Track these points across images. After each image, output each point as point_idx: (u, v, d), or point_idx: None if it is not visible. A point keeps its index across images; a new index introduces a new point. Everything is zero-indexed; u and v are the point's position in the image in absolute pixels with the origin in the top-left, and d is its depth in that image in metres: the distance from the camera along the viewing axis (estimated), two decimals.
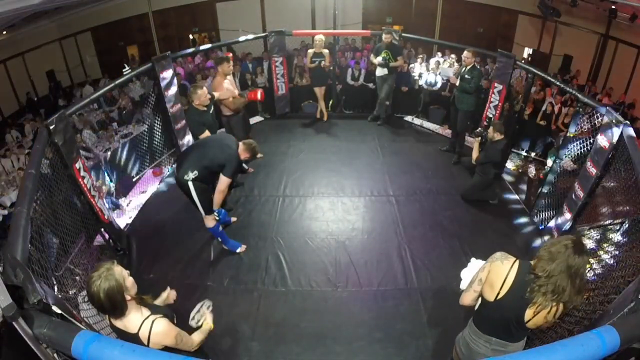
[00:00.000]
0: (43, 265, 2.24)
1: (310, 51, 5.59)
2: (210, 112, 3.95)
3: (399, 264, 3.46)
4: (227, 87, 4.20)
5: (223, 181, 3.13)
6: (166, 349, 1.63)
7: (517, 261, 1.64)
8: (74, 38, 9.54)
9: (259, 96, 4.37)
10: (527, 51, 9.54)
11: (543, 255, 1.53)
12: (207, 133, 3.79)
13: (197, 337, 1.84)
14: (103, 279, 1.50)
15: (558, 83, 4.28)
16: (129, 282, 1.59)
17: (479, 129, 4.28)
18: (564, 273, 1.48)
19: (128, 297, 1.57)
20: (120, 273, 1.56)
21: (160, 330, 1.60)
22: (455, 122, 5.13)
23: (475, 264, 2.00)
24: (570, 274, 1.48)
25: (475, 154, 4.14)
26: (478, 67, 4.88)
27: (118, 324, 1.61)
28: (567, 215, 3.42)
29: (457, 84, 4.74)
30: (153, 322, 1.60)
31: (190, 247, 3.65)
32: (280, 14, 9.80)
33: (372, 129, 5.94)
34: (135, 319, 1.60)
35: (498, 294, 1.62)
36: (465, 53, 4.68)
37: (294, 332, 2.85)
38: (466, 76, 4.66)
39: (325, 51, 5.54)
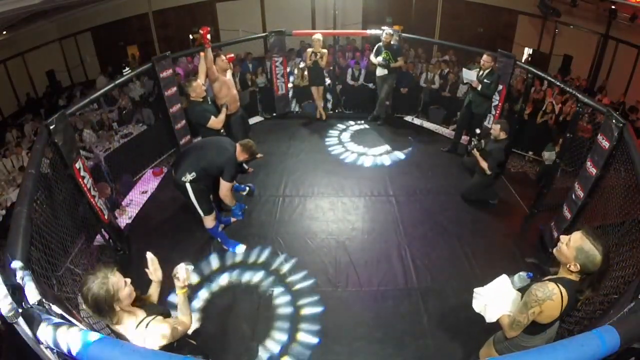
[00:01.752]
0: (43, 265, 2.24)
1: (309, 50, 5.60)
2: (209, 102, 3.94)
3: (399, 264, 3.46)
4: (228, 79, 4.19)
5: (224, 186, 3.12)
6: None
7: (563, 289, 1.63)
8: (74, 38, 9.53)
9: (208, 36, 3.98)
10: (527, 51, 9.53)
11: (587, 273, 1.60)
12: (213, 119, 3.79)
13: (185, 318, 1.81)
14: (96, 284, 1.48)
15: (558, 83, 4.28)
16: (124, 293, 1.55)
17: (474, 142, 4.24)
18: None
19: (118, 308, 1.55)
20: (116, 284, 1.53)
21: (154, 335, 1.58)
22: (463, 124, 5.13)
23: (488, 295, 1.97)
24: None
25: (483, 164, 4.05)
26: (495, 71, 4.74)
27: (114, 326, 1.60)
28: (567, 215, 3.42)
29: (479, 88, 4.68)
30: (147, 325, 1.58)
31: (190, 247, 3.65)
32: (280, 14, 9.80)
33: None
34: (129, 323, 1.59)
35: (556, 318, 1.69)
36: (485, 57, 4.64)
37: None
38: (485, 80, 4.62)
39: (324, 50, 5.54)
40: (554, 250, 1.71)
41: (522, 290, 1.96)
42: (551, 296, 1.62)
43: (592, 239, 1.57)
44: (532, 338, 1.76)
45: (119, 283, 1.54)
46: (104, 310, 1.51)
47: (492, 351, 1.99)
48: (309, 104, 6.61)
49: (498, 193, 4.36)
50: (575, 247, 1.60)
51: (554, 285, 1.64)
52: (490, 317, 1.92)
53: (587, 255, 1.56)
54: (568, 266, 1.63)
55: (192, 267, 1.92)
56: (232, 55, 4.45)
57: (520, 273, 2.00)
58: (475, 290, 2.04)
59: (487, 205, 4.23)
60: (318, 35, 5.51)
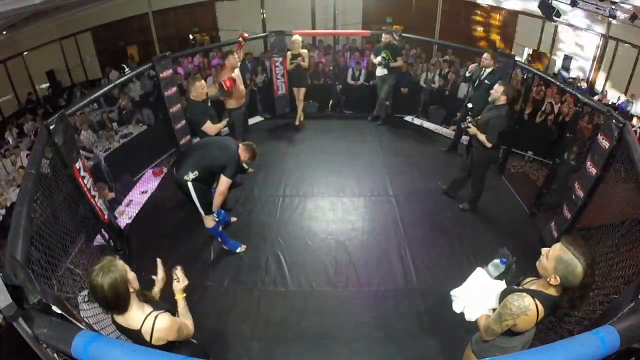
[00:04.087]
0: (43, 265, 2.24)
1: (289, 53, 5.57)
2: (209, 104, 3.96)
3: (399, 264, 3.46)
4: (236, 74, 4.33)
5: (224, 182, 3.12)
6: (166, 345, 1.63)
7: (539, 304, 1.57)
8: (74, 38, 9.52)
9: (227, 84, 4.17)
10: (527, 51, 9.53)
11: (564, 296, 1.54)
12: (209, 124, 3.79)
13: (188, 321, 1.83)
14: (106, 270, 1.50)
15: (558, 83, 4.28)
16: (131, 275, 1.59)
17: (468, 119, 3.80)
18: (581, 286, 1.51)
19: (131, 290, 1.57)
20: (123, 266, 1.57)
21: (163, 326, 1.59)
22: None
23: (466, 295, 1.93)
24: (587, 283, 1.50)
25: (481, 136, 3.59)
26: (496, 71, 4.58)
27: (120, 320, 1.60)
28: (567, 216, 3.42)
29: (475, 85, 4.60)
30: (156, 317, 1.59)
31: (190, 247, 3.65)
32: (280, 14, 9.80)
33: (372, 129, 5.95)
34: (137, 315, 1.59)
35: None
36: (485, 55, 4.55)
37: (294, 332, 2.85)
38: (486, 81, 4.49)
39: (304, 51, 5.53)
40: (536, 264, 1.63)
41: (500, 277, 1.95)
42: (526, 312, 1.56)
43: (573, 248, 1.47)
44: (510, 339, 1.73)
45: (124, 265, 1.58)
46: (121, 293, 1.52)
47: (470, 353, 1.96)
48: (309, 104, 6.62)
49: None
50: (554, 257, 1.51)
51: (530, 300, 1.57)
52: (470, 317, 1.89)
53: (566, 265, 1.47)
54: (548, 279, 1.55)
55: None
56: (246, 34, 4.72)
57: (494, 261, 1.96)
58: (452, 292, 1.99)
59: (487, 205, 4.19)
60: (297, 37, 5.48)
